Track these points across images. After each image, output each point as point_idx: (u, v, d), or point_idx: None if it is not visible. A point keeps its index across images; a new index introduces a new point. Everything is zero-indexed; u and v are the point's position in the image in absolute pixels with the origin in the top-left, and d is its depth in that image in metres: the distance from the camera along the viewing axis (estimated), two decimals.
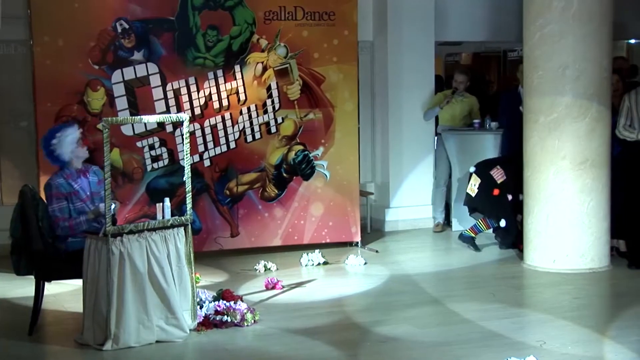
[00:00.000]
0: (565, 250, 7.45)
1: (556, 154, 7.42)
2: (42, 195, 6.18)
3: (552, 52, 7.36)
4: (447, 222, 9.64)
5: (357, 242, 8.71)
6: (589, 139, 7.38)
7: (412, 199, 9.76)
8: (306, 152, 8.41)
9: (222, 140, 8.15)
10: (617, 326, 5.82)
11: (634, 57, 12.13)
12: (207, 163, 8.13)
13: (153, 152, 7.91)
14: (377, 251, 8.53)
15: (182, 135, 6.05)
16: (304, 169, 8.41)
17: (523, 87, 8.44)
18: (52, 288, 6.60)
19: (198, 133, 8.05)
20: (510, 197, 8.05)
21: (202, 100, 8.05)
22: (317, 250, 8.06)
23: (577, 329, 5.81)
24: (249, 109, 8.21)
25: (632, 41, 12.05)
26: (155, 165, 7.94)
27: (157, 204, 5.83)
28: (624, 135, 7.64)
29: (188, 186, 5.88)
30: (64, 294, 6.82)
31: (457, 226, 9.38)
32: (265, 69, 8.21)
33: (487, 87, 10.54)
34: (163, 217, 5.79)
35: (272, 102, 8.28)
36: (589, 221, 7.42)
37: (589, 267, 7.42)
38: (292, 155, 8.37)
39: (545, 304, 6.56)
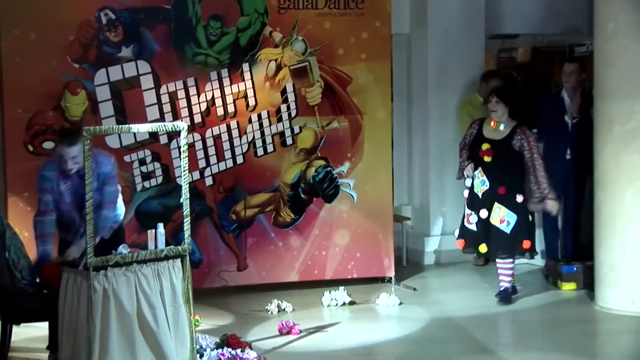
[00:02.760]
0: None
1: (635, 171, 7.37)
2: (10, 221, 6.20)
3: (628, 46, 7.32)
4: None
5: (391, 278, 8.68)
6: None
7: (457, 226, 9.69)
8: (329, 169, 8.41)
9: (228, 154, 8.17)
10: None
11: None
12: (209, 181, 8.15)
13: (144, 168, 7.94)
14: (414, 289, 8.49)
15: (179, 147, 6.06)
16: (327, 189, 8.40)
17: (567, 90, 8.63)
18: (22, 332, 6.60)
19: (198, 145, 8.09)
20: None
21: (204, 106, 8.08)
22: (341, 288, 8.03)
23: None
24: (259, 116, 8.23)
25: None
26: (146, 184, 7.96)
27: (149, 231, 5.84)
28: None
29: (186, 209, 5.88)
30: (36, 339, 6.81)
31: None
32: (279, 67, 8.24)
33: (550, 90, 10.48)
34: (156, 247, 5.79)
35: (288, 108, 8.29)
36: None
37: None
38: (311, 172, 8.37)
39: (622, 353, 6.48)
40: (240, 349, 6.09)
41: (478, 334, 7.01)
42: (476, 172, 7.83)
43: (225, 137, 8.16)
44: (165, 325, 5.71)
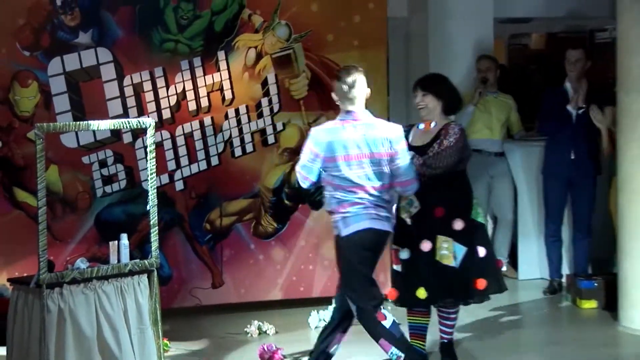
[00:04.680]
0: None
1: None
2: None
3: None
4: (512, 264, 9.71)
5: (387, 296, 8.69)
6: None
7: None
8: None
9: (201, 155, 8.17)
10: None
11: None
12: (179, 186, 8.15)
13: (105, 171, 7.93)
14: None
15: (146, 147, 6.05)
16: (314, 195, 8.40)
17: (570, 80, 8.66)
18: None
19: (167, 144, 8.08)
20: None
21: (173, 100, 8.07)
22: (331, 307, 8.03)
23: None
24: (237, 111, 8.24)
25: None
26: (107, 188, 7.95)
27: (111, 243, 5.84)
28: None
29: (153, 218, 5.88)
30: None
31: (525, 273, 9.49)
32: (259, 56, 8.24)
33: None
34: (119, 261, 5.79)
35: (270, 102, 8.30)
36: None
37: None
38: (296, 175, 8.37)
39: None
40: None
41: (489, 358, 7.05)
42: None
43: (198, 135, 8.16)
44: (129, 350, 5.72)
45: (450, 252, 6.53)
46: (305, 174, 6.29)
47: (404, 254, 6.64)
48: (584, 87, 8.67)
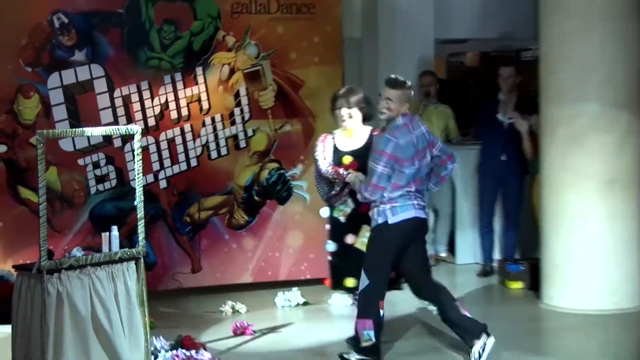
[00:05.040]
0: (590, 287, 7.49)
1: (579, 173, 7.48)
2: None
3: (573, 52, 7.43)
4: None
5: None
6: (619, 155, 7.46)
7: None
8: (282, 171, 8.46)
9: (181, 157, 8.20)
10: None
11: None
12: (163, 184, 8.18)
13: (98, 172, 7.94)
14: None
15: (133, 150, 6.07)
16: (280, 191, 8.45)
17: (503, 93, 8.77)
18: None
19: (152, 148, 8.11)
20: None
21: (157, 109, 8.09)
22: (295, 289, 8.09)
23: None
24: (213, 119, 8.27)
25: None
26: (100, 187, 7.97)
27: (103, 234, 5.84)
28: None
29: (140, 212, 5.89)
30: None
31: (461, 258, 9.59)
32: (232, 71, 8.28)
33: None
34: (110, 250, 5.80)
35: (241, 111, 8.34)
36: (618, 252, 7.47)
37: (620, 307, 7.46)
38: (265, 174, 8.43)
39: (568, 351, 6.60)
40: (194, 350, 6.11)
41: (429, 332, 7.09)
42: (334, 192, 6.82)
43: (179, 140, 8.18)
44: (119, 327, 5.71)
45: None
46: (382, 185, 5.95)
47: (331, 247, 6.89)
48: (514, 100, 8.80)
